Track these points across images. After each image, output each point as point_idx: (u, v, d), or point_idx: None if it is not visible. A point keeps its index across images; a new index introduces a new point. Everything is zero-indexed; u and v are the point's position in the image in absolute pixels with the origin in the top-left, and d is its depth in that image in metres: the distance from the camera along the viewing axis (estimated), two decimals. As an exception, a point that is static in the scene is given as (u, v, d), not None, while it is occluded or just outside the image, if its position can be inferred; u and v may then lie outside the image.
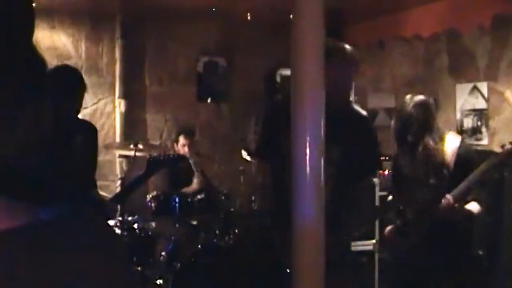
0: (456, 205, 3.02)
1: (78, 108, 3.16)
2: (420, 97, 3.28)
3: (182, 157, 4.17)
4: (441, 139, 3.22)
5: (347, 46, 2.78)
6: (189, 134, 5.37)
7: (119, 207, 4.29)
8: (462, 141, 3.28)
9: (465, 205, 3.10)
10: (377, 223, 4.53)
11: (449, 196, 3.03)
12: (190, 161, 5.08)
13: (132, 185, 3.61)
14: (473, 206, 3.09)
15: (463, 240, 3.31)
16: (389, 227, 3.45)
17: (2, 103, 0.62)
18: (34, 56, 0.66)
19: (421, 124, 3.18)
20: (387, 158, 5.08)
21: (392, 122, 3.36)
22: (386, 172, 4.95)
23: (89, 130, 3.42)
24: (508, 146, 3.06)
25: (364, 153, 2.80)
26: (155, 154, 3.96)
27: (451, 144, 3.21)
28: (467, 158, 3.20)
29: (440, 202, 3.05)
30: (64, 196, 0.68)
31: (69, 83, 3.00)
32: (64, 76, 2.99)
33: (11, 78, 0.62)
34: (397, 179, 3.45)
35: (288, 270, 2.79)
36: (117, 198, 3.69)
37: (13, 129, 0.62)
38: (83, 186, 3.17)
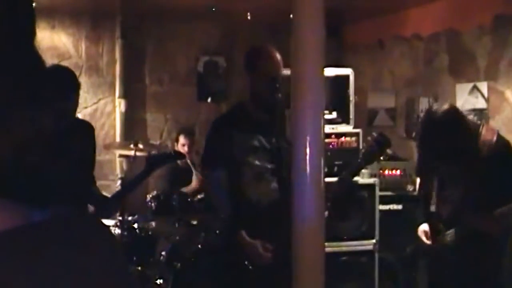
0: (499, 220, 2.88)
1: (75, 108, 3.17)
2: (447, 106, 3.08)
3: (179, 154, 4.17)
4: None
5: None
6: (189, 134, 5.39)
7: (119, 206, 4.29)
8: (498, 135, 3.04)
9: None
10: (377, 223, 4.53)
11: (496, 213, 2.85)
12: (188, 160, 5.08)
13: (131, 183, 3.61)
14: None
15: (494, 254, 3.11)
16: (423, 228, 3.26)
17: (1, 103, 0.61)
18: (33, 56, 0.66)
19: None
20: (388, 157, 5.09)
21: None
22: (387, 172, 4.96)
23: (86, 128, 3.43)
24: None
25: None
26: (154, 153, 3.99)
27: (486, 137, 3.00)
28: (504, 151, 2.98)
29: (474, 203, 2.93)
30: (63, 196, 0.68)
31: (66, 83, 3.00)
32: (60, 77, 2.99)
33: (10, 78, 0.62)
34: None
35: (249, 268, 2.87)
36: (117, 196, 3.68)
37: (12, 129, 0.62)
38: (83, 183, 3.18)
